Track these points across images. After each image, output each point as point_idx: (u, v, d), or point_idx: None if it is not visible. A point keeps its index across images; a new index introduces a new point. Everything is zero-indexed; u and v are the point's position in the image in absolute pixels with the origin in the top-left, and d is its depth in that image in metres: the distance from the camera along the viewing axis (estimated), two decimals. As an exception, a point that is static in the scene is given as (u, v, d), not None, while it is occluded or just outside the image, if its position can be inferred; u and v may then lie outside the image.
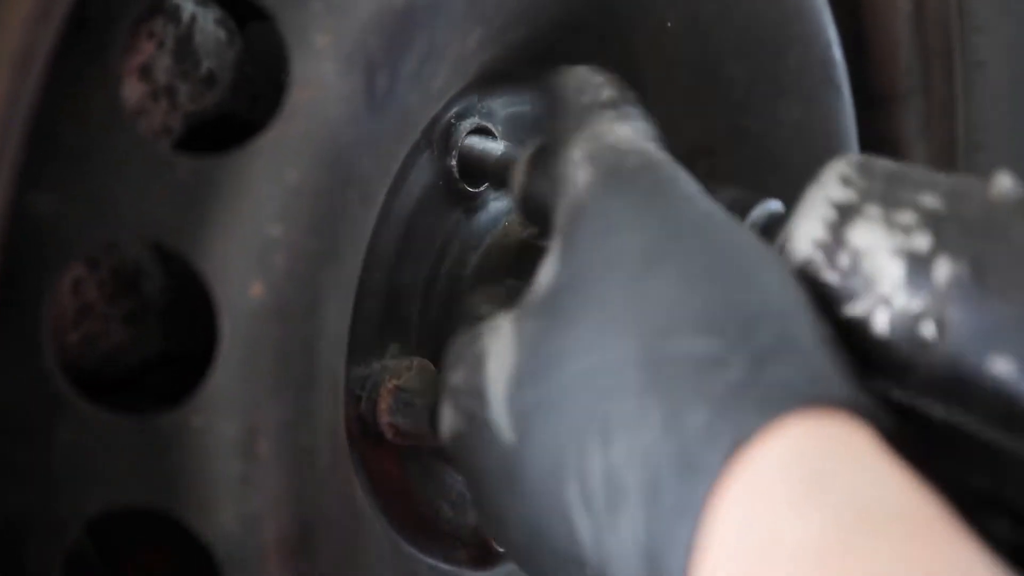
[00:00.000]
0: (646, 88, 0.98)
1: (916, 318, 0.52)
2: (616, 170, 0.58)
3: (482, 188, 0.86)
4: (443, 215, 0.84)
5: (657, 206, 0.56)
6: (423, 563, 0.87)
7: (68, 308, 0.65)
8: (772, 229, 0.65)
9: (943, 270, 0.52)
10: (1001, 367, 0.50)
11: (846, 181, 0.56)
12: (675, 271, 0.52)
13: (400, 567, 0.82)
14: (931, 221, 0.53)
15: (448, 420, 0.62)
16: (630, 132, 0.61)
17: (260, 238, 0.60)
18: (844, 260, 0.55)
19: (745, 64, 0.99)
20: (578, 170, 0.59)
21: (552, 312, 0.55)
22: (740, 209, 0.68)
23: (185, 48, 0.67)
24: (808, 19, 0.97)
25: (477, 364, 0.59)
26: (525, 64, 0.88)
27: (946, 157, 1.20)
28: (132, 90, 0.65)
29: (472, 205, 0.86)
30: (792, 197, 1.06)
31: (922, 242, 0.53)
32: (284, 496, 0.64)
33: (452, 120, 0.83)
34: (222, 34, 0.70)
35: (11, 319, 0.59)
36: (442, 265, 0.85)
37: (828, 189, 0.56)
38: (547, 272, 0.57)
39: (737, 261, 0.53)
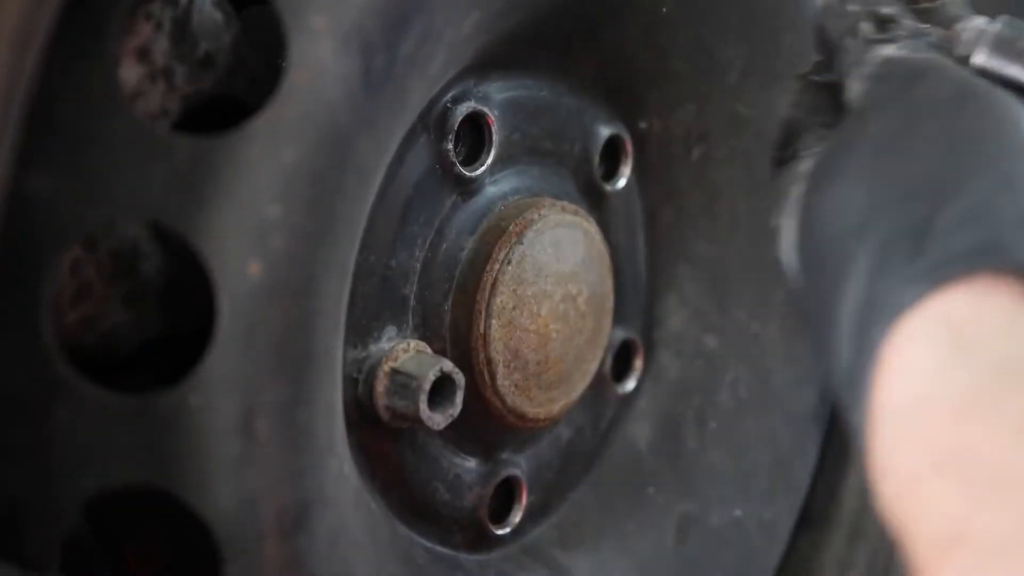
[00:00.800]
0: (641, 73, 0.98)
1: None
2: (878, 77, 0.66)
3: (480, 171, 0.86)
4: (439, 199, 0.85)
5: (911, 92, 0.62)
6: (419, 545, 0.88)
7: (66, 289, 0.65)
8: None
9: None
10: None
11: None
12: (915, 147, 0.59)
13: (396, 549, 0.83)
14: None
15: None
16: (895, 49, 0.68)
17: (258, 218, 0.60)
18: None
19: (740, 49, 0.99)
20: (854, 94, 0.67)
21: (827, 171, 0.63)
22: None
23: (183, 30, 0.67)
24: (803, 4, 0.98)
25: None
26: (522, 48, 0.88)
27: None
28: (130, 72, 0.65)
29: (468, 189, 0.86)
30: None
31: None
32: (282, 476, 0.64)
33: (448, 104, 0.84)
34: (219, 16, 0.70)
35: (9, 299, 0.59)
36: (438, 248, 0.85)
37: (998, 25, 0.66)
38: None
39: (970, 135, 0.59)
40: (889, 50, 0.67)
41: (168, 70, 0.68)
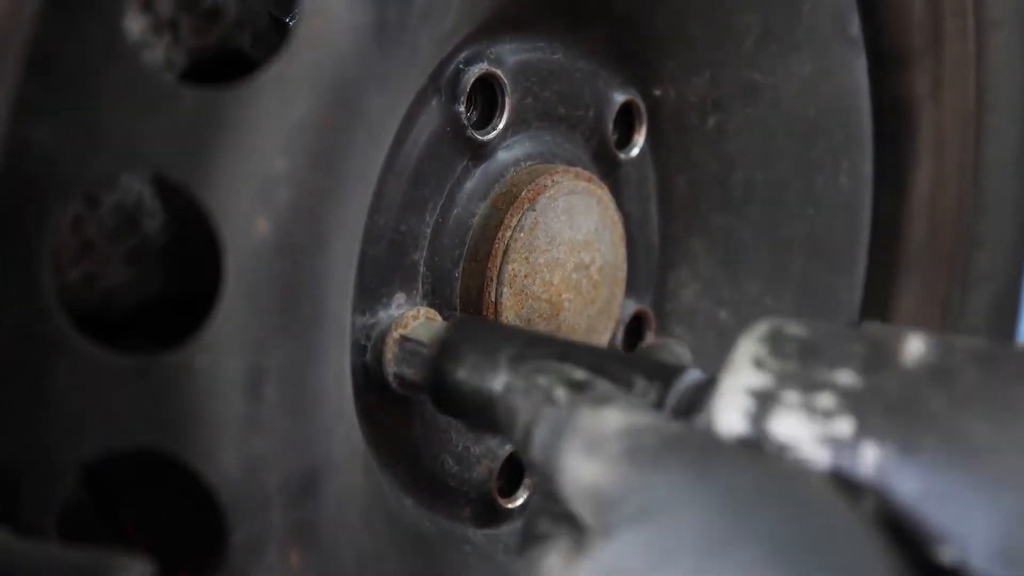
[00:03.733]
0: (657, 39, 0.96)
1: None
2: (640, 456, 0.52)
3: (492, 135, 0.84)
4: (451, 163, 0.83)
5: (711, 489, 0.50)
6: (427, 518, 0.86)
7: (67, 246, 0.63)
8: (696, 402, 0.62)
9: (870, 456, 0.50)
10: (948, 554, 0.48)
11: (759, 364, 0.54)
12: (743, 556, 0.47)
13: (404, 521, 0.81)
14: (850, 402, 0.51)
15: None
16: (616, 413, 0.55)
17: (265, 172, 0.58)
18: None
19: (757, 15, 0.97)
20: (593, 471, 0.53)
21: None
22: (661, 379, 0.65)
23: (189, -21, 0.65)
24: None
25: None
26: (535, 10, 0.86)
27: (957, 119, 1.18)
28: (134, 22, 0.63)
29: (480, 153, 0.84)
30: (799, 155, 1.04)
31: (845, 428, 0.50)
32: (289, 440, 0.62)
33: (461, 65, 0.81)
34: (227, -33, 0.68)
35: (7, 253, 0.57)
36: (449, 213, 0.83)
37: (743, 376, 0.54)
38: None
39: (812, 537, 0.48)
40: (610, 414, 0.54)
41: (174, 21, 0.65)
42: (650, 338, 1.05)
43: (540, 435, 0.57)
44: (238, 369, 0.59)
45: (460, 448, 0.88)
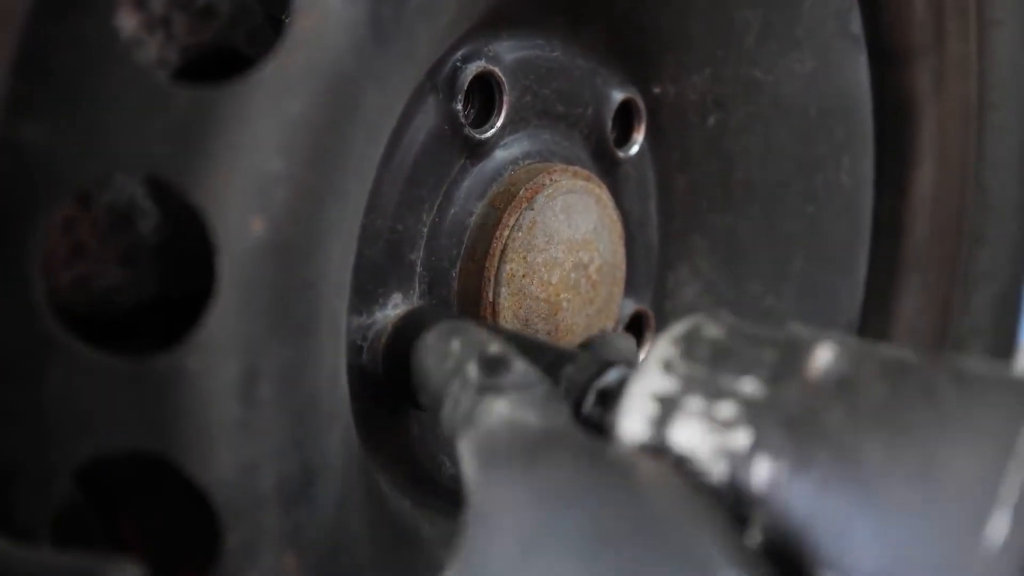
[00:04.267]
0: (656, 36, 0.95)
1: (744, 525, 0.49)
2: (489, 455, 0.54)
3: (490, 133, 0.84)
4: (448, 161, 0.82)
5: (530, 486, 0.51)
6: (424, 520, 0.85)
7: (60, 247, 0.62)
8: (608, 404, 0.62)
9: (764, 471, 0.49)
10: None
11: (668, 367, 0.53)
12: (550, 559, 0.48)
13: (400, 523, 0.80)
14: (751, 412, 0.50)
15: None
16: (505, 407, 0.57)
17: (261, 172, 0.57)
18: (669, 463, 0.52)
19: (757, 12, 0.96)
20: (467, 467, 0.55)
21: None
22: (588, 374, 0.65)
23: (183, -24, 0.65)
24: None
25: None
26: (534, 7, 0.85)
27: (959, 117, 1.17)
28: (127, 19, 0.62)
29: (477, 152, 0.83)
30: (800, 153, 1.04)
31: (743, 440, 0.50)
32: (284, 443, 0.61)
33: (458, 63, 0.81)
34: (221, -36, 0.67)
35: (0, 255, 0.57)
36: (446, 213, 0.82)
37: (650, 380, 0.53)
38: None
39: (622, 536, 0.48)
40: (499, 407, 0.56)
41: (167, 19, 0.65)
42: (649, 338, 1.05)
43: (446, 411, 0.59)
44: (232, 371, 0.58)
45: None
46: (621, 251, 0.93)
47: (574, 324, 0.89)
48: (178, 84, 0.57)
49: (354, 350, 0.77)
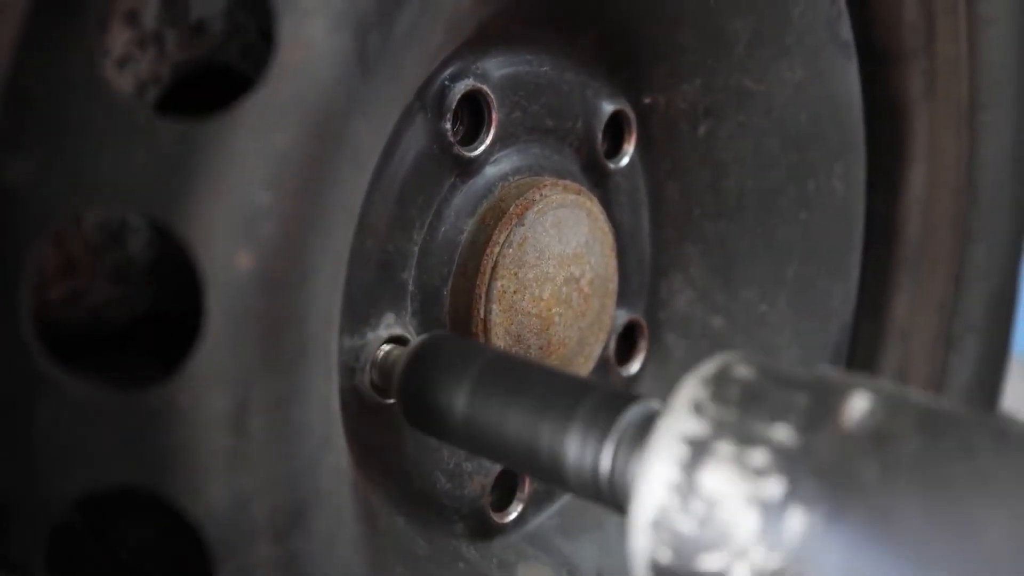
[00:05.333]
0: (646, 47, 0.95)
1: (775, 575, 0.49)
2: None
3: (479, 151, 0.83)
4: (438, 180, 0.82)
5: None
6: (420, 537, 0.85)
7: (51, 263, 0.62)
8: (640, 438, 0.60)
9: (797, 522, 0.48)
10: None
11: (698, 408, 0.53)
12: None
13: (396, 543, 0.80)
14: (784, 461, 0.49)
15: None
16: None
17: (247, 206, 0.57)
18: (698, 507, 0.51)
19: (747, 21, 0.96)
20: None
21: None
22: (610, 410, 0.64)
23: (175, -7, 0.64)
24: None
25: None
26: (522, 23, 0.85)
27: (951, 118, 1.17)
28: (118, 36, 0.62)
29: (467, 169, 0.83)
30: (792, 161, 1.03)
31: (775, 490, 0.49)
32: (276, 474, 0.61)
33: (446, 82, 0.80)
34: (212, -18, 0.67)
35: (-13, 292, 0.57)
36: (437, 231, 0.82)
37: (680, 422, 0.53)
38: None
39: None
40: None
41: (159, 35, 0.64)
42: (643, 347, 1.05)
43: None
44: (222, 404, 0.58)
45: (452, 465, 0.87)
46: (613, 263, 0.93)
47: (567, 338, 0.89)
48: (161, 118, 0.57)
49: (346, 372, 0.77)
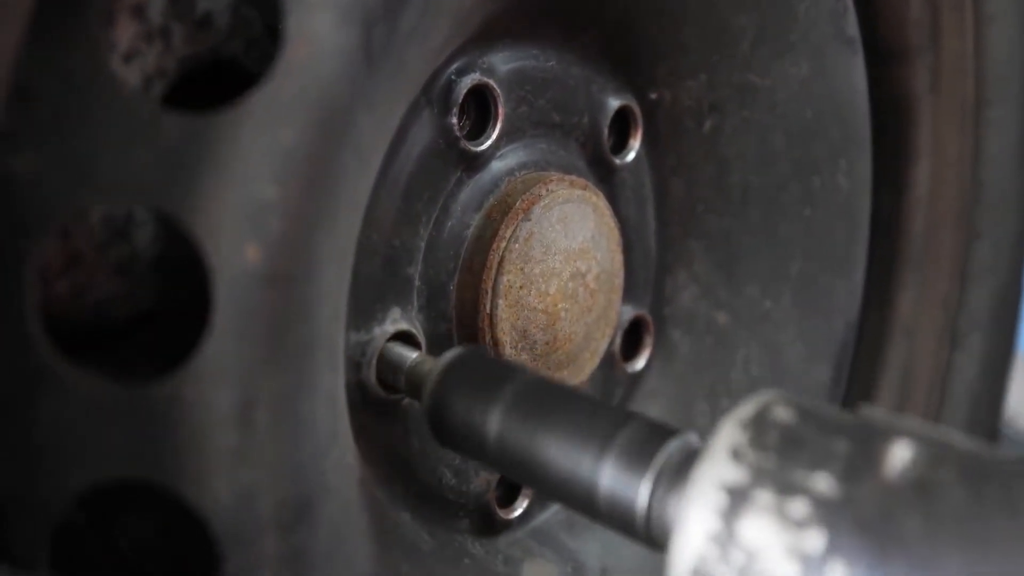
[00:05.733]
0: (651, 42, 0.95)
1: None
2: None
3: (486, 145, 0.83)
4: (444, 175, 0.82)
5: None
6: (425, 532, 0.85)
7: (56, 257, 0.62)
8: (680, 477, 0.60)
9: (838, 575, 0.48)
10: None
11: (736, 455, 0.52)
12: None
13: (401, 538, 0.80)
14: (824, 512, 0.49)
15: None
16: None
17: (254, 200, 0.57)
18: (738, 557, 0.51)
19: (752, 17, 0.96)
20: None
21: None
22: (650, 442, 0.62)
23: (181, -13, 0.64)
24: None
25: None
26: (528, 18, 0.85)
27: (956, 114, 1.17)
28: (125, 30, 0.62)
29: (473, 164, 0.83)
30: (797, 157, 1.03)
31: (816, 542, 0.49)
32: (282, 468, 0.61)
33: (452, 76, 0.80)
34: (219, -25, 0.67)
35: (-7, 286, 0.56)
36: (443, 226, 0.82)
37: (719, 469, 0.52)
38: None
39: None
40: None
41: (165, 29, 0.64)
42: (648, 343, 1.04)
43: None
44: (228, 399, 0.58)
45: (458, 461, 0.87)
46: (619, 258, 0.93)
47: (573, 333, 0.89)
48: (168, 112, 0.57)
49: (352, 366, 0.77)
